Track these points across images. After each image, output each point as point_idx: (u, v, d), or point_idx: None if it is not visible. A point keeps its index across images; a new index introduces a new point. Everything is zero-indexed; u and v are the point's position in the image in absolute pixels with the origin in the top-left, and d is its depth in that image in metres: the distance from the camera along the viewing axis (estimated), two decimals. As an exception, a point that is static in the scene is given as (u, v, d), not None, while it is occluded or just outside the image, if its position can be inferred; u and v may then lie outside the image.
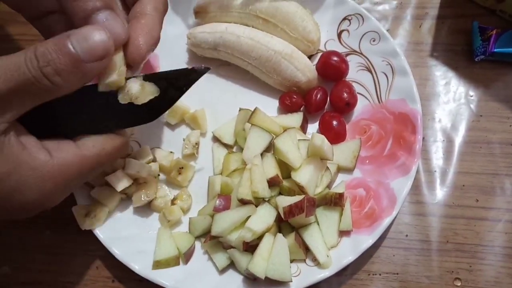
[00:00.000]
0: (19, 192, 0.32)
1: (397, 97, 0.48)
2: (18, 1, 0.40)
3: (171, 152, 0.48)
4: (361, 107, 0.50)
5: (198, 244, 0.45)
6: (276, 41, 0.50)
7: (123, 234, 0.45)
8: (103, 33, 0.33)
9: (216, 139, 0.50)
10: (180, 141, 0.50)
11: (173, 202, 0.46)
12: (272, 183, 0.44)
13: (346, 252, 0.42)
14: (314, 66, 0.51)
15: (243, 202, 0.42)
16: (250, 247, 0.41)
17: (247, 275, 0.42)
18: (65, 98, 0.33)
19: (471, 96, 0.51)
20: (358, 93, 0.50)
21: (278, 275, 0.40)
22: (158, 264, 0.43)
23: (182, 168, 0.47)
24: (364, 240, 0.42)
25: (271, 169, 0.44)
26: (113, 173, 0.44)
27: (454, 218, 0.46)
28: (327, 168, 0.45)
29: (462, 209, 0.46)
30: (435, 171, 0.48)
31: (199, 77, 0.39)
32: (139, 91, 0.37)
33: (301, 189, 0.42)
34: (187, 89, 0.39)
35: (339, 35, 0.53)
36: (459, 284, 0.44)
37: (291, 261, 0.42)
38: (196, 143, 0.49)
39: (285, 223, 0.43)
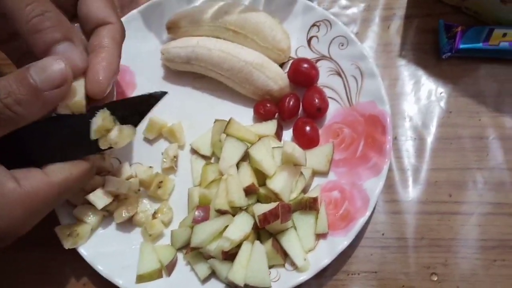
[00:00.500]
0: None
1: (367, 100, 0.49)
2: None
3: (150, 167, 0.50)
4: (333, 111, 0.51)
5: (181, 256, 0.46)
6: (247, 52, 0.51)
7: (107, 250, 0.46)
8: (61, 62, 0.35)
9: (194, 151, 0.51)
10: (159, 155, 0.51)
11: (154, 216, 0.48)
12: (249, 191, 0.45)
13: (323, 255, 0.43)
14: (286, 74, 0.52)
15: (220, 212, 0.43)
16: (230, 256, 0.42)
17: (228, 284, 0.43)
18: (32, 128, 0.35)
19: (441, 93, 0.53)
20: (329, 97, 0.51)
21: (257, 282, 0.41)
22: (141, 278, 0.44)
23: (162, 182, 0.48)
24: (340, 241, 0.43)
25: (247, 178, 0.45)
26: (93, 192, 0.45)
27: (429, 214, 0.47)
28: (301, 173, 0.46)
29: (436, 205, 0.48)
30: (408, 169, 0.49)
31: (157, 102, 0.41)
32: (117, 136, 0.39)
33: (275, 196, 0.43)
34: (146, 113, 0.41)
35: (308, 42, 0.54)
36: (435, 278, 0.45)
37: (271, 267, 0.43)
38: (174, 156, 0.50)
39: (264, 230, 0.44)
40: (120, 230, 0.48)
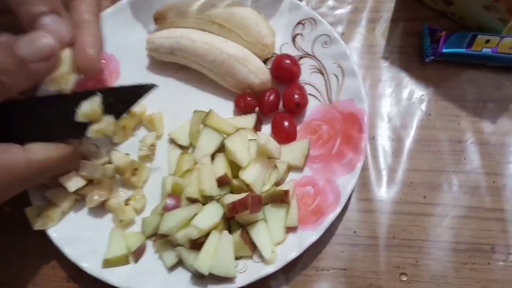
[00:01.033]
0: None
1: (346, 97, 0.49)
2: None
3: (127, 154, 0.49)
4: (313, 108, 0.51)
5: (150, 244, 0.46)
6: (230, 45, 0.52)
7: (77, 234, 0.46)
8: (50, 37, 0.35)
9: (172, 141, 0.51)
10: (137, 143, 0.51)
11: (126, 202, 0.47)
12: (222, 182, 0.45)
13: (291, 248, 0.43)
14: (269, 69, 0.53)
15: (190, 201, 0.43)
16: (197, 245, 0.42)
17: (193, 273, 0.43)
18: (18, 106, 0.35)
19: (421, 96, 0.53)
20: (310, 94, 0.51)
21: (222, 272, 0.41)
22: (107, 262, 0.43)
23: (137, 169, 0.48)
24: (309, 235, 0.43)
25: (220, 168, 0.45)
26: (66, 175, 0.45)
27: (402, 214, 0.47)
28: (276, 166, 0.46)
29: (409, 206, 0.47)
30: (383, 168, 0.49)
31: (146, 93, 0.42)
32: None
33: (248, 187, 0.43)
34: (134, 103, 0.41)
35: (293, 39, 0.54)
36: (405, 279, 0.45)
37: (239, 258, 0.43)
38: (152, 145, 0.50)
39: (234, 221, 0.44)
40: (91, 215, 0.47)
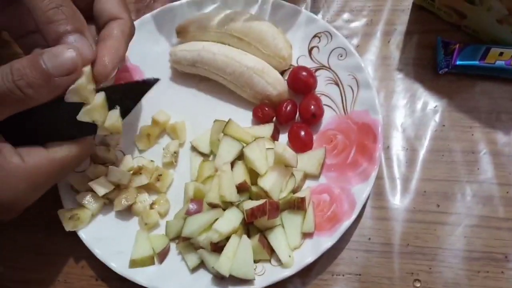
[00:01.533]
0: None
1: (361, 108, 0.51)
2: (7, 21, 0.46)
3: (152, 160, 0.52)
4: (328, 118, 0.53)
5: (174, 246, 0.49)
6: (249, 58, 0.54)
7: (105, 235, 0.49)
8: (72, 51, 0.37)
9: (194, 149, 0.54)
10: (161, 151, 0.54)
11: (151, 206, 0.50)
12: (241, 188, 0.47)
13: (307, 253, 0.45)
14: (286, 81, 0.55)
15: (211, 206, 0.46)
16: (218, 248, 0.44)
17: (215, 274, 0.45)
18: (37, 111, 0.38)
19: (435, 107, 0.54)
20: (326, 105, 0.53)
21: (242, 274, 0.43)
22: (134, 263, 0.46)
23: (161, 175, 0.51)
24: (325, 241, 0.45)
25: (240, 175, 0.47)
26: (96, 180, 0.48)
27: (416, 222, 0.48)
28: (292, 174, 0.48)
29: (423, 214, 0.49)
30: (398, 178, 0.51)
31: (150, 88, 0.44)
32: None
33: (266, 194, 0.45)
34: (140, 99, 0.44)
35: (309, 51, 0.56)
36: (418, 285, 0.46)
37: (257, 261, 0.45)
38: (175, 152, 0.53)
39: (253, 226, 0.46)
40: (118, 218, 0.50)
